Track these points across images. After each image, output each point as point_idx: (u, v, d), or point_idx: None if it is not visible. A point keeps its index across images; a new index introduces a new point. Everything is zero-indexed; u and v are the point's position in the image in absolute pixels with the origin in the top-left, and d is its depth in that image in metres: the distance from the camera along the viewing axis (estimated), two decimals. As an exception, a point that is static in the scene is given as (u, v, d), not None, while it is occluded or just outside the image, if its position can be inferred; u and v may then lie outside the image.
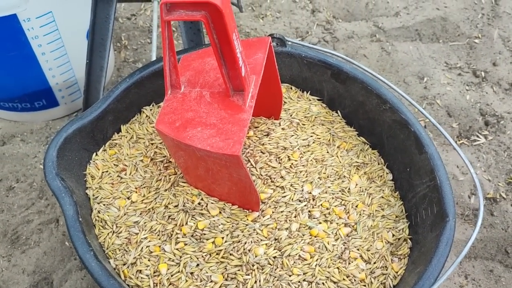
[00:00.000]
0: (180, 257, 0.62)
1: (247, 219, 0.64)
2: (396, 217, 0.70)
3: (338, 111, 0.80)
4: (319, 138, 0.74)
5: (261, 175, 0.67)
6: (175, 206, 0.65)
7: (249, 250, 0.61)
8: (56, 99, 1.03)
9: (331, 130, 0.76)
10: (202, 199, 0.65)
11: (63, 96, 1.03)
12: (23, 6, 0.77)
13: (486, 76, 1.17)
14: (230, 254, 0.61)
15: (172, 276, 0.61)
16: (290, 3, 1.32)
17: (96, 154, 0.71)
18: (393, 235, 0.68)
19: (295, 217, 0.65)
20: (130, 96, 0.72)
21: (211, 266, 0.61)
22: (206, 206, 0.64)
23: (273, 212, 0.65)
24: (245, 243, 0.62)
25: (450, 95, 1.13)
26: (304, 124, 0.76)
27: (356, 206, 0.68)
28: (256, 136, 0.71)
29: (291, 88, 0.81)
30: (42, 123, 1.08)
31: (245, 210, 0.64)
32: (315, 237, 0.64)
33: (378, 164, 0.75)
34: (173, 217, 0.64)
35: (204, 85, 0.59)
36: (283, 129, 0.73)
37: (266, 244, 0.62)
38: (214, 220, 0.63)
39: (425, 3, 1.31)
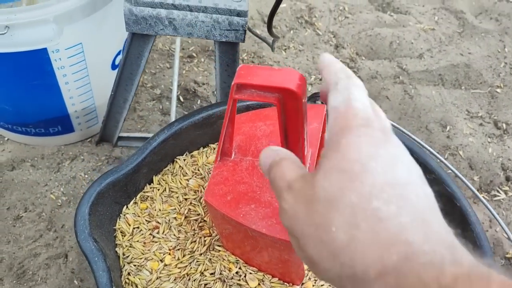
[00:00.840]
0: (217, 329, 0.58)
1: (287, 293, 0.61)
2: None
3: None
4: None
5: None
6: (211, 274, 0.61)
7: None
8: (72, 125, 0.98)
9: None
10: (240, 268, 0.61)
11: (79, 123, 0.99)
12: (56, 40, 0.73)
13: (508, 128, 1.16)
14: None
15: None
16: (313, 36, 1.29)
17: (127, 207, 0.67)
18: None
19: None
20: (166, 147, 0.68)
21: None
22: (245, 277, 0.61)
23: (313, 286, 0.62)
24: None
25: (472, 147, 1.11)
26: None
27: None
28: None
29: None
30: (53, 147, 1.03)
31: (285, 283, 0.61)
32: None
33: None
34: (209, 286, 0.61)
35: (256, 154, 0.56)
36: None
37: None
38: (254, 291, 0.60)
39: (448, 47, 1.29)
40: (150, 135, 1.03)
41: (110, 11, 0.81)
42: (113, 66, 0.94)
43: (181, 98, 1.13)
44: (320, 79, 1.20)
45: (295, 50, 1.25)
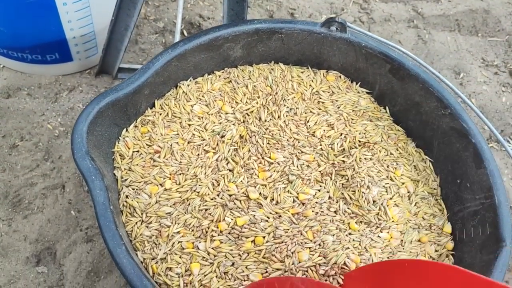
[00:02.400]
0: (215, 256, 0.56)
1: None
2: (440, 230, 0.66)
3: (387, 108, 0.74)
4: (372, 136, 0.68)
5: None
6: (212, 199, 0.59)
7: (292, 253, 0.56)
8: (71, 53, 0.94)
9: (379, 127, 0.71)
10: (241, 187, 0.59)
11: (78, 51, 0.94)
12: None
13: (523, 78, 1.12)
14: (272, 255, 0.56)
15: (204, 276, 0.56)
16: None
17: (127, 130, 0.64)
18: (436, 250, 0.64)
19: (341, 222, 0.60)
20: (169, 69, 0.64)
21: (248, 265, 0.56)
22: (247, 198, 0.59)
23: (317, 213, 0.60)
24: (289, 245, 0.57)
25: (485, 95, 1.07)
26: (352, 119, 0.69)
27: (403, 213, 0.64)
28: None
29: (340, 77, 0.74)
30: (51, 77, 0.99)
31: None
32: (364, 248, 0.59)
33: (426, 170, 0.70)
34: (209, 211, 0.58)
35: None
36: (331, 124, 0.68)
37: (310, 248, 0.57)
38: (254, 216, 0.58)
39: (467, -8, 1.23)
40: (152, 67, 0.99)
41: None
42: (113, -9, 0.88)
43: (185, 32, 1.08)
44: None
45: (305, -12, 1.18)
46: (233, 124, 0.65)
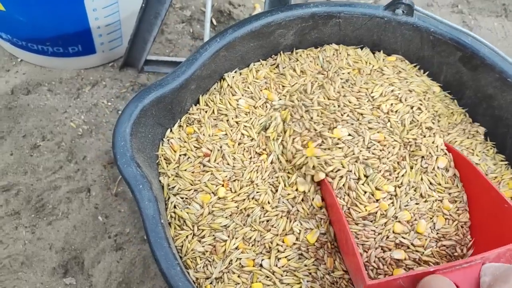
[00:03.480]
0: (281, 275, 0.49)
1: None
2: None
3: (455, 100, 0.66)
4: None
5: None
6: (274, 208, 0.51)
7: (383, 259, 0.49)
8: (94, 45, 0.86)
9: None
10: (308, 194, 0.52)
11: (102, 43, 0.87)
12: None
13: None
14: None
15: (268, 298, 0.48)
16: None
17: (171, 131, 0.56)
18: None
19: None
20: (217, 60, 0.56)
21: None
22: (312, 206, 0.51)
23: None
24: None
25: (539, 85, 0.99)
26: (428, 98, 0.61)
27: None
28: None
29: (404, 62, 0.66)
30: (72, 71, 0.92)
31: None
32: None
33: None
34: (271, 223, 0.51)
35: None
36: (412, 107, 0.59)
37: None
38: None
39: (514, -26, 1.14)
40: (182, 59, 0.91)
41: None
42: (143, -25, 0.81)
43: (213, 21, 1.00)
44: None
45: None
46: (278, 112, 0.58)
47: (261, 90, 0.60)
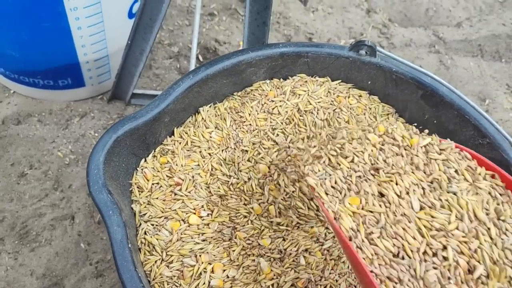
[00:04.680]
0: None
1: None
2: None
3: (419, 136, 0.69)
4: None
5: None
6: (248, 245, 0.54)
7: None
8: (83, 78, 0.90)
9: None
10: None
11: (91, 77, 0.91)
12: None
13: (551, 105, 1.08)
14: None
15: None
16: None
17: (145, 161, 0.59)
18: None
19: None
20: (190, 95, 0.60)
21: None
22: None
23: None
24: None
25: (513, 123, 1.03)
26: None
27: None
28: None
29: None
30: (62, 103, 0.96)
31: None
32: None
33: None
34: (249, 265, 0.53)
35: None
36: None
37: None
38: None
39: (489, 16, 1.20)
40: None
41: None
42: (130, 15, 0.86)
43: (200, 57, 1.05)
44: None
45: (323, 13, 1.16)
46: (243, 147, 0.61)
47: (233, 120, 0.63)
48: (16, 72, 0.88)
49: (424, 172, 0.47)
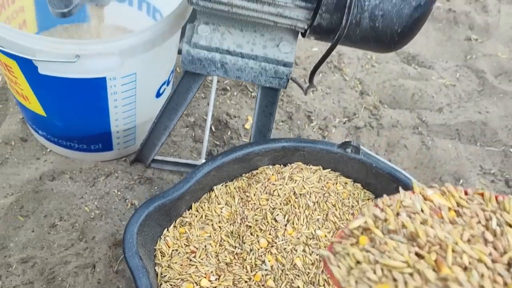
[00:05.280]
0: None
1: None
2: None
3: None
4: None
5: None
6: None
7: None
8: (112, 144, 1.05)
9: None
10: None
11: (118, 143, 1.06)
12: (117, 70, 0.81)
13: (518, 187, 1.22)
14: None
15: None
16: (340, 80, 1.37)
17: (168, 230, 0.73)
18: None
19: None
20: (208, 178, 0.75)
21: None
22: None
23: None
24: None
25: (483, 202, 1.17)
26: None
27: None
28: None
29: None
30: (91, 162, 1.10)
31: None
32: None
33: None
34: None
35: None
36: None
37: None
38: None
39: (467, 104, 1.37)
40: (183, 161, 1.10)
41: (165, 46, 0.89)
42: (157, 94, 1.02)
43: (213, 128, 1.21)
44: (344, 123, 1.27)
45: (322, 93, 1.32)
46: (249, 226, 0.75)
47: (240, 197, 0.77)
48: (55, 136, 1.03)
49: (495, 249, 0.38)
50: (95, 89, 0.86)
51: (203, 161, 1.10)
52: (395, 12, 0.65)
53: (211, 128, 1.20)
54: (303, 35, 0.75)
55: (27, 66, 0.80)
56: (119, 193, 1.07)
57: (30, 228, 0.99)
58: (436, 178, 1.21)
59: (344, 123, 1.27)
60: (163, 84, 1.01)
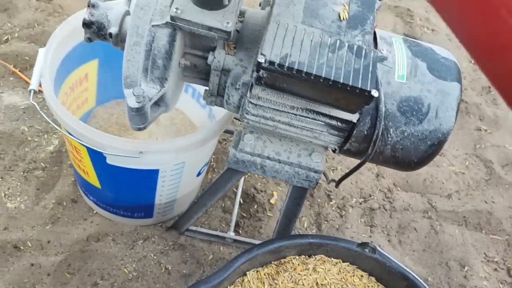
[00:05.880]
0: None
1: None
2: None
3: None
4: None
5: None
6: None
7: None
8: (153, 213, 1.18)
9: None
10: None
11: (158, 212, 1.19)
12: (171, 164, 0.94)
13: (518, 277, 1.32)
14: None
15: None
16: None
17: (206, 311, 0.85)
18: None
19: None
20: (243, 266, 0.87)
21: None
22: None
23: None
24: None
25: (485, 290, 1.27)
26: None
27: None
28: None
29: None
30: (131, 226, 1.23)
31: None
32: None
33: None
34: None
35: None
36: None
37: None
38: None
39: (475, 192, 1.48)
40: (214, 232, 1.23)
41: (213, 141, 1.03)
42: (198, 174, 1.15)
43: (241, 201, 1.33)
44: (361, 203, 1.39)
45: (341, 173, 1.45)
46: None
47: (267, 284, 0.89)
48: (105, 203, 1.16)
49: None
50: (149, 175, 1.00)
51: (232, 233, 1.23)
52: (413, 148, 0.78)
53: (240, 201, 1.33)
54: (333, 151, 0.89)
55: (96, 155, 0.94)
56: (155, 257, 1.19)
57: (75, 285, 1.11)
58: (442, 263, 1.31)
59: (361, 203, 1.39)
60: (204, 165, 1.15)
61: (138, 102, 0.71)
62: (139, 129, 0.78)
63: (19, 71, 1.40)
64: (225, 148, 1.45)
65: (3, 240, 1.14)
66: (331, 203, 1.38)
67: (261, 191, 1.36)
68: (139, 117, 0.74)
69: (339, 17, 0.70)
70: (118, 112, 1.31)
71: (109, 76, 1.20)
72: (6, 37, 1.45)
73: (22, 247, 1.14)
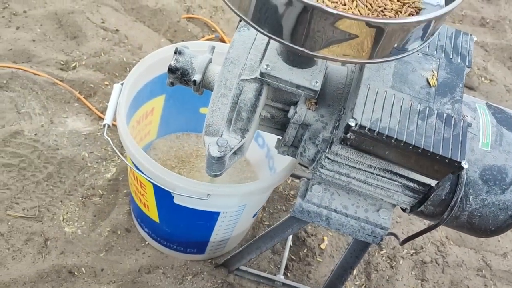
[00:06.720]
0: None
1: None
2: None
3: None
4: None
5: None
6: None
7: None
8: (205, 250, 1.18)
9: None
10: None
11: (211, 249, 1.19)
12: (235, 207, 0.95)
13: None
14: None
15: None
16: (411, 211, 1.47)
17: None
18: None
19: None
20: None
21: None
22: None
23: None
24: None
25: None
26: None
27: None
28: None
29: None
30: (182, 261, 1.23)
31: None
32: None
33: None
34: None
35: None
36: None
37: None
38: None
39: (531, 252, 1.43)
40: (263, 274, 1.21)
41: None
42: (254, 215, 1.15)
43: (290, 243, 1.32)
44: (412, 255, 1.35)
45: (393, 221, 1.42)
46: None
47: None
48: (159, 236, 1.17)
49: None
50: (210, 215, 1.01)
51: (282, 276, 1.22)
52: (492, 217, 0.76)
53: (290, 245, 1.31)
54: (403, 210, 0.87)
55: (162, 193, 0.95)
56: (203, 295, 1.19)
57: (125, 316, 1.12)
58: (495, 326, 1.26)
59: (412, 255, 1.36)
60: (261, 207, 1.15)
61: (220, 152, 0.72)
62: (215, 176, 0.79)
63: (84, 97, 1.44)
64: (276, 188, 1.45)
65: (59, 265, 1.16)
66: (381, 252, 1.35)
67: (312, 235, 1.34)
68: (218, 165, 0.75)
69: (428, 83, 0.70)
70: (177, 146, 1.33)
71: (173, 110, 1.23)
72: (74, 64, 1.50)
73: (76, 273, 1.16)
